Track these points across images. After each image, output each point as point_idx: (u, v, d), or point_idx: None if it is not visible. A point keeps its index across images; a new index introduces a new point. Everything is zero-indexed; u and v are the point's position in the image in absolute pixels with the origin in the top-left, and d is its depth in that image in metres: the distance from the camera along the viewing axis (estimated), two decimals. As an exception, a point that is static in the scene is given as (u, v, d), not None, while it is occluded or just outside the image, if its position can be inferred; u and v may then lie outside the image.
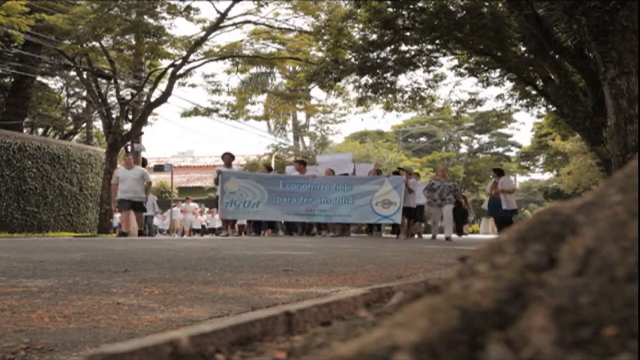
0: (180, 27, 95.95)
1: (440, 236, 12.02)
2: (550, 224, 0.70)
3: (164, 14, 15.83)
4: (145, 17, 15.59)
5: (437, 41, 13.08)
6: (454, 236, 12.95)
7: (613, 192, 0.70)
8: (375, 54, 13.70)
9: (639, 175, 0.69)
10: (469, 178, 44.26)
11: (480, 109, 19.40)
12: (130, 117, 17.33)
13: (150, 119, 20.32)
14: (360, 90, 14.71)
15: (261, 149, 33.89)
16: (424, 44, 13.54)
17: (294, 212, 11.71)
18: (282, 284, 2.47)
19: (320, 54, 16.48)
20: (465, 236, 16.90)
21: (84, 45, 16.03)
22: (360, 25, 13.89)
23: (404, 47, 13.79)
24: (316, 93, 57.45)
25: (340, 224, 12.13)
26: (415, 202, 12.38)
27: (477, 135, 53.19)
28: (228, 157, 12.39)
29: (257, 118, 24.36)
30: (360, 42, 13.91)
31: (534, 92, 14.26)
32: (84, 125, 25.76)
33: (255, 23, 17.55)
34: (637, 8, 6.48)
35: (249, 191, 11.69)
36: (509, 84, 15.53)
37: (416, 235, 13.87)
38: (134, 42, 16.60)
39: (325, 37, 14.74)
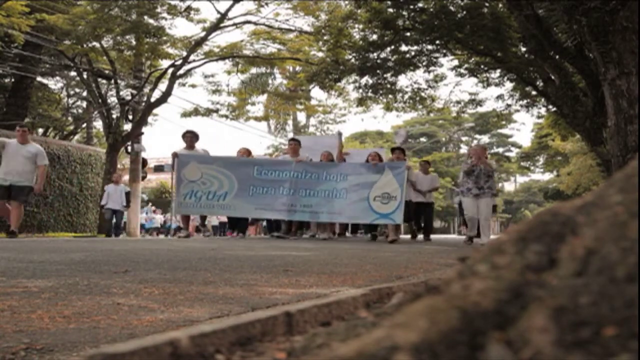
0: (181, 28, 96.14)
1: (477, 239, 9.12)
2: (550, 225, 0.70)
3: (164, 15, 15.84)
4: (146, 17, 15.61)
5: (438, 41, 13.10)
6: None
7: (613, 192, 0.70)
8: (375, 54, 13.72)
9: (639, 176, 0.69)
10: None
11: (480, 109, 19.46)
12: (130, 117, 17.35)
13: (150, 119, 20.36)
14: (361, 90, 14.74)
15: (261, 150, 33.91)
16: (424, 45, 13.56)
17: (270, 207, 9.33)
18: (282, 284, 2.47)
19: (320, 54, 16.51)
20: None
21: (84, 45, 16.05)
22: (361, 26, 13.91)
23: (404, 48, 13.81)
24: (316, 93, 57.50)
25: (330, 224, 9.82)
26: (411, 195, 9.94)
27: (477, 136, 53.33)
28: (190, 137, 9.82)
29: (257, 118, 24.41)
30: (361, 42, 13.94)
31: (534, 92, 14.28)
32: (84, 125, 25.82)
33: (255, 23, 17.58)
34: (637, 8, 6.49)
35: (214, 179, 9.35)
36: (509, 85, 15.58)
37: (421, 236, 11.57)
38: (134, 42, 16.61)
39: (325, 38, 14.76)
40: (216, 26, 16.77)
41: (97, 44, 16.43)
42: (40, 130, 25.15)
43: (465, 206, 8.90)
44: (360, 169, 9.39)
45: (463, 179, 8.86)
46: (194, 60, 17.39)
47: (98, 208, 16.71)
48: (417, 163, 12.89)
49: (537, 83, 13.02)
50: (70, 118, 26.28)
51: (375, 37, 13.54)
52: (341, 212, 9.25)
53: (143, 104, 17.26)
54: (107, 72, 18.09)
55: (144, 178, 18.17)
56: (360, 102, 15.51)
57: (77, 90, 25.25)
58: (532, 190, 53.27)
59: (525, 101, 16.14)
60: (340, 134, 11.81)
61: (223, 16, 16.58)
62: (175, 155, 9.42)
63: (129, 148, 17.07)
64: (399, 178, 8.88)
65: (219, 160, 9.69)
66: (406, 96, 15.55)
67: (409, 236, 12.46)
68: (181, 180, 9.32)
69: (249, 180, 9.35)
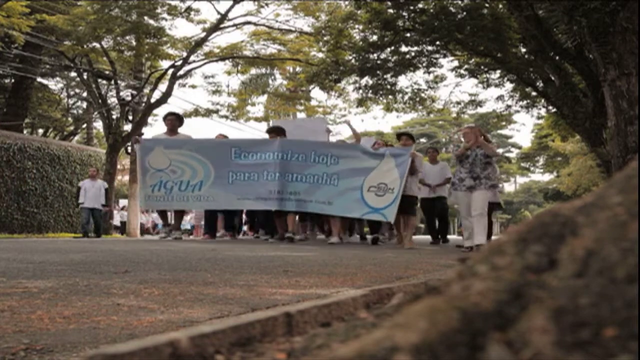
0: (181, 28, 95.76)
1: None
2: (550, 225, 0.70)
3: (165, 15, 15.85)
4: (146, 18, 15.62)
5: (438, 42, 13.09)
6: None
7: (613, 193, 0.70)
8: (375, 55, 13.71)
9: (639, 177, 0.69)
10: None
11: (480, 110, 19.47)
12: (130, 118, 17.36)
13: (150, 119, 20.37)
14: (361, 91, 14.73)
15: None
16: (424, 45, 13.55)
17: (254, 195, 7.92)
18: (282, 285, 2.47)
19: (320, 55, 16.51)
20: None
21: (85, 46, 16.05)
22: (361, 26, 13.91)
23: (404, 48, 13.80)
24: (316, 94, 57.62)
25: (327, 217, 8.37)
26: (416, 189, 8.19)
27: (477, 137, 53.30)
28: (172, 120, 8.41)
29: (257, 119, 24.43)
30: (361, 43, 13.93)
31: (534, 93, 14.28)
32: (84, 126, 25.82)
33: (255, 24, 17.61)
34: (637, 9, 6.49)
35: (185, 167, 7.95)
36: (509, 85, 15.57)
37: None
38: (134, 43, 16.62)
39: (325, 38, 14.77)
40: (216, 27, 16.78)
41: (97, 45, 16.44)
42: (41, 131, 25.16)
43: (458, 203, 7.07)
44: (356, 151, 7.99)
45: (457, 167, 7.01)
46: (194, 61, 17.40)
47: (74, 207, 16.19)
48: (426, 151, 11.34)
49: (537, 84, 13.01)
50: (70, 119, 26.30)
51: (375, 37, 13.53)
52: (331, 202, 7.82)
53: (143, 104, 17.27)
54: (107, 72, 18.09)
55: (144, 179, 18.13)
56: (360, 102, 15.51)
57: (77, 90, 25.25)
58: (532, 191, 53.22)
59: (525, 102, 16.13)
60: (324, 120, 10.76)
61: (223, 17, 16.59)
62: (135, 140, 8.10)
63: (129, 149, 17.08)
64: (401, 168, 7.53)
65: (189, 143, 8.20)
66: (406, 97, 15.55)
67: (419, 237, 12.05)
68: (146, 170, 7.99)
69: (227, 166, 7.98)
